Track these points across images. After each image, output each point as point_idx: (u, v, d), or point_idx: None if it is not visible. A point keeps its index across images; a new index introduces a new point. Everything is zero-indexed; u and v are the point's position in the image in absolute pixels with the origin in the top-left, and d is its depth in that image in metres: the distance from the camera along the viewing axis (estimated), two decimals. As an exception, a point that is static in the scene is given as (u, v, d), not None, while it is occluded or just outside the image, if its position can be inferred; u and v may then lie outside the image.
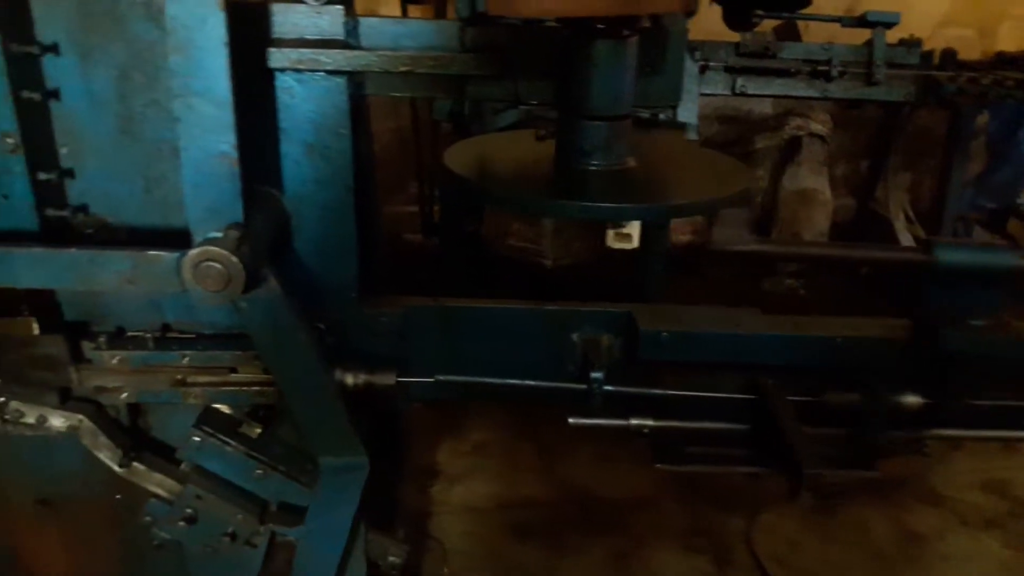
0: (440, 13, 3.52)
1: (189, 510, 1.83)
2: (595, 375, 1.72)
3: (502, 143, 1.92)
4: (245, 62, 1.45)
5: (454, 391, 1.80)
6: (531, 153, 1.68)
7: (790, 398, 1.73)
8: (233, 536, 1.87)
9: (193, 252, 1.43)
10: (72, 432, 1.79)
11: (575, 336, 1.83)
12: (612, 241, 3.06)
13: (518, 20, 1.55)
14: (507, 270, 3.84)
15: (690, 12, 1.37)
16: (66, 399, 1.80)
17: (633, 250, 3.19)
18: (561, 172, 1.57)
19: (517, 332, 1.84)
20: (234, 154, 1.43)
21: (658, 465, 1.74)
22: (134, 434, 1.87)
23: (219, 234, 1.46)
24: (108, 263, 1.46)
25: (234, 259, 1.43)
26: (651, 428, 1.75)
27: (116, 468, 1.82)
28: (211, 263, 1.43)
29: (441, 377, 1.79)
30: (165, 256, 1.46)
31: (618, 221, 1.94)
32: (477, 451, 3.57)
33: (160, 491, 1.86)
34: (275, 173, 1.68)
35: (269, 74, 1.58)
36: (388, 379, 1.75)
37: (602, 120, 1.49)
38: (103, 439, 1.79)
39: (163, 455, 1.88)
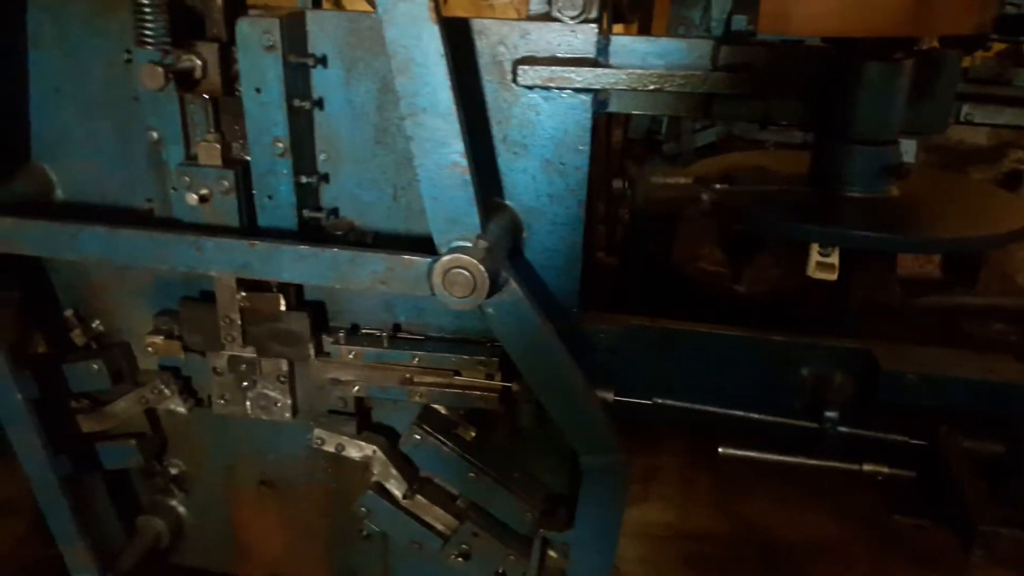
0: (644, 29, 3.50)
1: (464, 546, 1.92)
2: (829, 414, 1.63)
3: (746, 163, 1.87)
4: (465, 78, 1.48)
5: (672, 416, 1.76)
6: (777, 175, 1.62)
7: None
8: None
9: (444, 259, 1.48)
10: (365, 462, 1.92)
11: (804, 371, 1.74)
12: (813, 270, 2.91)
13: (777, 39, 1.50)
14: (695, 294, 3.75)
15: (982, 33, 1.27)
16: (362, 429, 1.93)
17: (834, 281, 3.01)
18: (819, 197, 1.50)
19: (740, 361, 1.77)
20: (464, 162, 1.47)
21: (895, 516, 1.62)
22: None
23: (468, 243, 1.50)
24: (365, 264, 1.54)
25: (481, 267, 1.47)
26: (885, 476, 1.63)
27: (400, 499, 1.94)
28: (460, 270, 1.48)
29: (659, 400, 1.75)
30: (417, 261, 1.52)
31: (886, 250, 1.82)
32: (652, 476, 3.50)
33: (437, 525, 1.95)
34: (510, 186, 1.71)
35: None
36: (606, 396, 1.74)
37: (867, 145, 1.41)
38: (392, 471, 1.91)
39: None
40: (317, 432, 1.92)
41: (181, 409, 1.94)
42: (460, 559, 1.92)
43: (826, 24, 1.22)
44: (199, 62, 1.55)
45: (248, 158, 1.67)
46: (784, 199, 1.57)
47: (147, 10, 1.43)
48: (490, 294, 1.51)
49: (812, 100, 1.51)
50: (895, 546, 3.01)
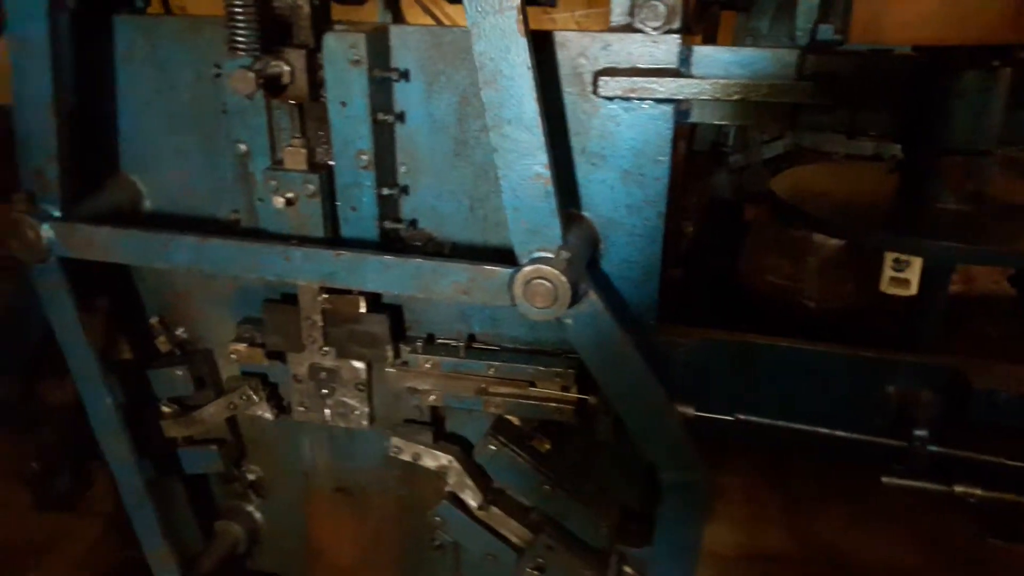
0: (709, 41, 3.48)
1: (540, 559, 1.91)
2: (919, 433, 1.58)
3: (827, 175, 1.83)
4: (546, 89, 1.48)
5: (754, 433, 1.73)
6: (863, 186, 1.58)
7: None
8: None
9: (526, 269, 1.48)
10: (441, 472, 1.94)
11: (890, 388, 1.69)
12: (887, 286, 2.84)
13: (865, 48, 1.47)
14: (763, 308, 3.68)
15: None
16: (437, 439, 1.95)
17: (909, 297, 2.93)
18: (912, 208, 1.47)
19: (824, 376, 1.73)
20: (546, 174, 1.47)
21: (990, 540, 1.55)
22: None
23: (549, 254, 1.50)
24: (447, 274, 1.55)
25: (563, 278, 1.47)
26: (979, 498, 1.57)
27: (475, 509, 1.95)
28: (541, 281, 1.48)
29: (741, 416, 1.72)
30: (499, 271, 1.52)
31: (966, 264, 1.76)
32: (719, 494, 3.43)
33: (512, 538, 1.95)
34: (587, 197, 1.71)
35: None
36: (687, 411, 1.72)
37: (963, 155, 1.37)
38: (468, 480, 1.92)
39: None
40: (395, 441, 1.94)
41: (268, 415, 1.98)
42: (536, 572, 1.91)
43: (921, 32, 1.20)
44: (287, 68, 1.59)
45: (332, 163, 1.70)
46: (874, 210, 1.54)
47: (240, 18, 1.47)
48: (570, 305, 1.51)
49: (902, 110, 1.48)
50: (979, 571, 2.89)
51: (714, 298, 3.88)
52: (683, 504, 1.72)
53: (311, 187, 1.69)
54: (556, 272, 1.47)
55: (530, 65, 1.38)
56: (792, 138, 3.83)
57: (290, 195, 1.69)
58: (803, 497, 3.32)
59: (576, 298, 1.52)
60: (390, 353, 1.86)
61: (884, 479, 1.61)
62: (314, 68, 1.62)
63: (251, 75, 1.48)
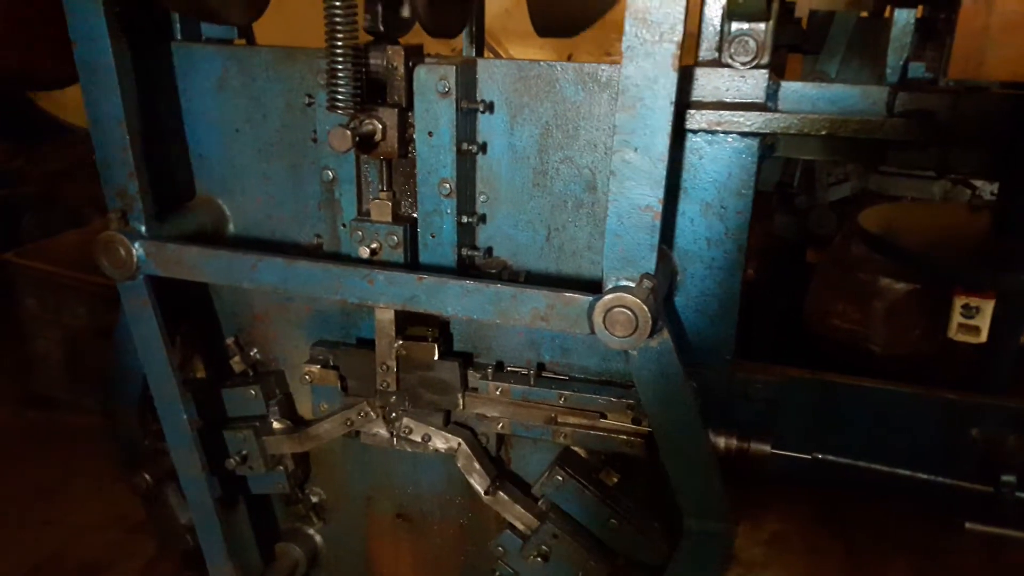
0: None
1: (544, 547, 1.89)
2: (1006, 478, 1.52)
3: (915, 212, 1.81)
4: None
5: (831, 473, 1.69)
6: (954, 224, 1.56)
7: None
8: (581, 582, 1.89)
9: (607, 297, 1.48)
10: (450, 453, 1.92)
11: (974, 431, 1.64)
12: (956, 332, 2.77)
13: (959, 85, 1.46)
14: (826, 350, 3.62)
15: None
16: (447, 422, 1.94)
17: (978, 344, 2.87)
18: (1007, 247, 1.44)
19: (905, 419, 1.69)
20: (658, 207, 1.47)
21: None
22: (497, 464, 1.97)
23: (631, 283, 1.51)
24: (527, 300, 1.56)
25: (645, 308, 1.46)
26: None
27: (482, 494, 1.92)
28: (623, 309, 1.48)
29: (819, 456, 1.69)
30: (580, 299, 1.53)
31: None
32: (776, 541, 3.34)
33: (517, 524, 1.93)
34: (666, 229, 1.71)
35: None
36: (763, 449, 1.69)
37: (1063, 194, 1.34)
38: (476, 464, 1.91)
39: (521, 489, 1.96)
40: (407, 421, 1.93)
41: (384, 433, 1.96)
42: (539, 560, 1.88)
43: (1025, 68, 1.18)
44: (380, 125, 1.64)
45: (415, 215, 1.75)
46: (971, 250, 1.51)
47: (340, 78, 1.53)
48: (649, 336, 1.50)
49: (998, 148, 1.46)
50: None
51: (776, 339, 3.82)
52: (701, 554, 1.68)
53: (395, 239, 1.74)
54: (638, 301, 1.46)
55: (673, 99, 1.39)
56: (858, 181, 3.79)
57: (374, 245, 1.74)
58: (866, 548, 3.22)
59: (655, 330, 1.52)
60: (460, 400, 1.88)
61: (968, 525, 1.56)
62: (404, 127, 1.68)
63: (348, 133, 1.54)
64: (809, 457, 1.70)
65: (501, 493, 1.92)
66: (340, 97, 1.55)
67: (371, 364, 1.88)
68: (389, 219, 1.76)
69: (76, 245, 4.09)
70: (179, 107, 1.94)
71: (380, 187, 1.76)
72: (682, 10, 1.34)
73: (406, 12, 1.65)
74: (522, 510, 1.91)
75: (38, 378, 4.18)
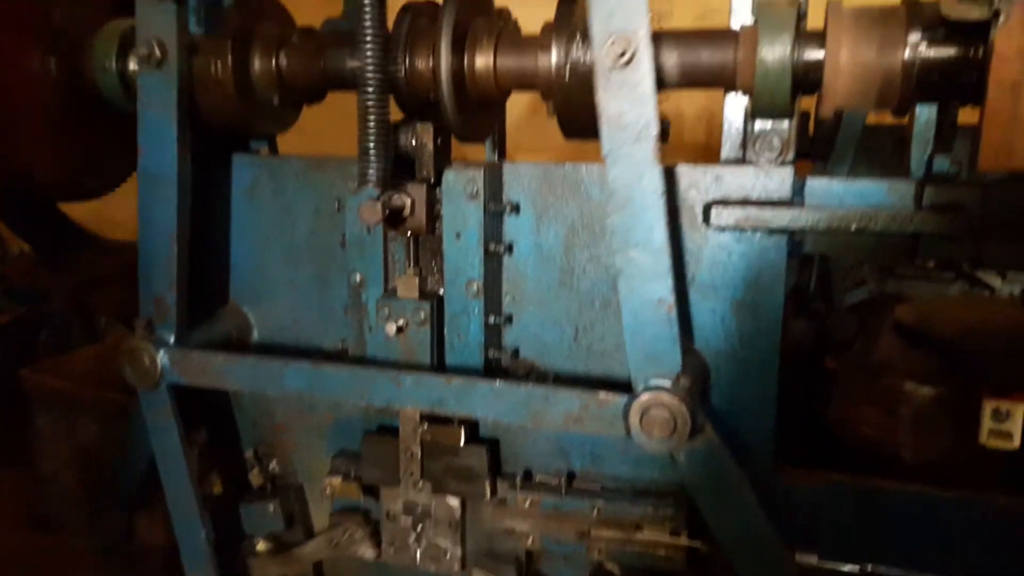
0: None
1: None
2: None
3: (950, 308, 1.78)
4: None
5: (884, 583, 1.59)
6: (991, 318, 1.52)
7: None
8: None
9: (644, 397, 1.44)
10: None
11: (1032, 536, 1.55)
12: (987, 438, 2.69)
13: (991, 178, 1.47)
14: (852, 457, 3.49)
15: None
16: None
17: (1012, 451, 2.78)
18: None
19: (957, 525, 1.60)
20: (670, 299, 1.46)
21: None
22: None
23: (666, 382, 1.47)
24: (559, 402, 1.52)
25: (683, 408, 1.42)
26: None
27: None
28: (660, 410, 1.43)
29: (870, 567, 1.59)
30: (614, 399, 1.48)
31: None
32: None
33: None
34: (697, 328, 1.68)
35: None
36: (809, 560, 1.59)
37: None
38: None
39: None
40: (476, 574, 1.83)
41: (369, 553, 1.89)
42: None
43: (1059, 157, 1.19)
44: (409, 200, 1.66)
45: (441, 291, 1.73)
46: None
47: (372, 153, 1.56)
48: (688, 437, 1.45)
49: (1034, 239, 1.45)
50: None
51: (804, 447, 3.70)
52: None
53: (422, 314, 1.71)
54: (675, 401, 1.42)
55: (662, 192, 1.41)
56: (875, 284, 3.77)
57: (401, 322, 1.72)
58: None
59: (695, 430, 1.46)
60: (487, 488, 1.79)
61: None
62: (432, 202, 1.69)
63: (378, 206, 1.55)
64: (858, 568, 1.60)
65: None
66: (371, 170, 1.57)
67: (394, 451, 1.81)
68: (416, 295, 1.74)
69: (93, 359, 4.06)
70: (228, 218, 1.96)
71: (407, 264, 1.76)
72: (652, 109, 1.40)
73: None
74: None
75: (45, 500, 4.06)
